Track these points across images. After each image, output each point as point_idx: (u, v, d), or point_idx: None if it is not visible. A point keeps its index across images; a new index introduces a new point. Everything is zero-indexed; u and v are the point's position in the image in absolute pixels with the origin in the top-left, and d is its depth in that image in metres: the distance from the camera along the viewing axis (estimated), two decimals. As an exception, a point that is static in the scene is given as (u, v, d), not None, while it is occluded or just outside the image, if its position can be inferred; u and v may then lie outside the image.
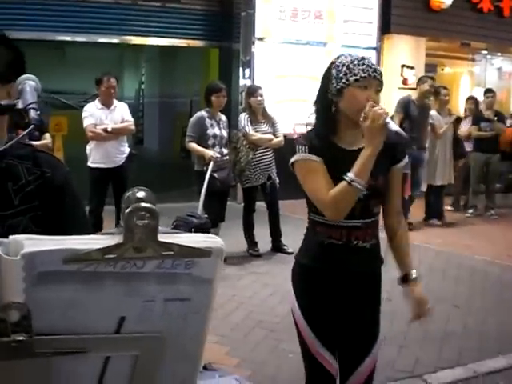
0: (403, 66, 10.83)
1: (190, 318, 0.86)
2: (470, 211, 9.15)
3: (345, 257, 2.27)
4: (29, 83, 1.37)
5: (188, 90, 14.35)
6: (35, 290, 0.77)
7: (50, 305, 0.79)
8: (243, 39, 9.68)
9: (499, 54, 13.18)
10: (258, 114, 6.36)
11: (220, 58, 10.88)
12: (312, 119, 2.34)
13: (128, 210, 0.76)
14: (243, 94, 7.81)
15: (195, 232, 5.50)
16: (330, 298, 2.30)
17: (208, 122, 5.92)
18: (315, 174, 2.20)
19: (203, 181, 5.63)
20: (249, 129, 6.23)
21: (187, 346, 0.88)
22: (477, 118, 9.13)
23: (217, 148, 5.91)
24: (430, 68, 11.73)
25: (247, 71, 9.61)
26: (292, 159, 2.26)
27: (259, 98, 6.30)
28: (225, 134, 6.06)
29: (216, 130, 5.95)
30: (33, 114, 1.30)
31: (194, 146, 5.88)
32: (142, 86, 19.31)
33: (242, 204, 6.64)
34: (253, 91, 6.43)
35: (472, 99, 9.77)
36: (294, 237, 6.91)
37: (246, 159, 6.15)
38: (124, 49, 15.38)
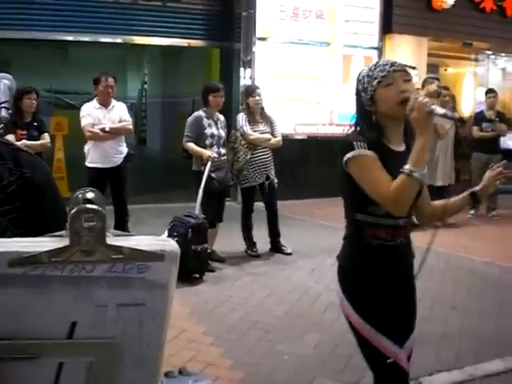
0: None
1: (145, 323, 0.83)
2: (472, 212, 9.09)
3: (393, 257, 2.36)
4: (3, 82, 1.35)
5: (190, 90, 14.33)
6: (-19, 294, 0.75)
7: (-3, 309, 0.76)
8: (244, 39, 9.66)
9: (503, 54, 13.11)
10: (256, 114, 6.32)
11: (221, 57, 10.85)
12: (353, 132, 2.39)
13: (73, 212, 0.73)
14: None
15: (192, 232, 5.46)
16: (386, 297, 2.36)
17: (205, 121, 5.89)
18: (375, 169, 2.23)
19: (201, 181, 5.62)
20: (247, 128, 6.19)
21: (145, 352, 0.85)
22: (478, 118, 9.09)
23: (214, 148, 5.88)
24: (432, 68, 11.67)
25: (248, 71, 9.59)
26: (348, 155, 2.24)
27: (257, 98, 6.26)
28: (223, 133, 6.03)
29: (214, 130, 5.92)
30: (3, 112, 1.28)
31: (191, 145, 5.85)
32: (145, 86, 19.33)
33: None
34: (251, 91, 6.40)
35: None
36: (292, 237, 6.93)
37: (244, 159, 6.12)
38: (127, 49, 15.40)
